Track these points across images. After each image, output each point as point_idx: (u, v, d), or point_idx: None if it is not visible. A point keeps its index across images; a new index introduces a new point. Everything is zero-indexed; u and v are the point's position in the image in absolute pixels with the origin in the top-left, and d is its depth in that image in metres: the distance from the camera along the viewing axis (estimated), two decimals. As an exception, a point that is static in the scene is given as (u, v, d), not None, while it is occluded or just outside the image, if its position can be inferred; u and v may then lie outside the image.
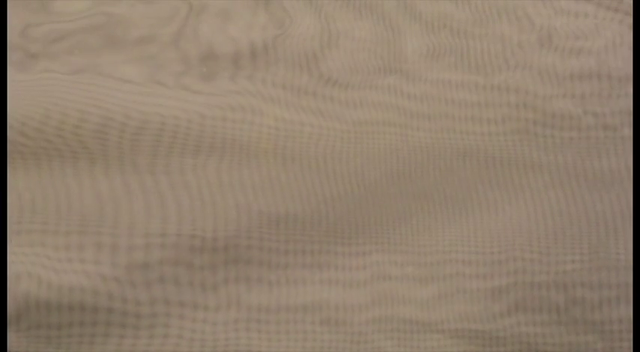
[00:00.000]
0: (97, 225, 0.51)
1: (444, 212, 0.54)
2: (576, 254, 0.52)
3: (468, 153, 0.55)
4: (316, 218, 0.53)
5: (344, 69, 0.58)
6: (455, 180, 0.55)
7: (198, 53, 0.57)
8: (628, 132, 0.55)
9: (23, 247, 0.50)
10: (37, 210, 0.51)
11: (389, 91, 0.57)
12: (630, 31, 0.59)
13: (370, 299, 0.52)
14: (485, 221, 0.54)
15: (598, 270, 0.52)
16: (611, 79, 0.57)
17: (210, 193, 0.52)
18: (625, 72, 0.57)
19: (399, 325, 0.51)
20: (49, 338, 0.49)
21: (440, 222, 0.54)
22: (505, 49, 0.59)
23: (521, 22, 0.59)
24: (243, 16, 0.59)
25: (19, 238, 0.51)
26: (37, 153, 0.52)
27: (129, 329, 0.49)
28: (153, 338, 0.49)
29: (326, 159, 0.54)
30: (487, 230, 0.54)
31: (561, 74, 0.57)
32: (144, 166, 0.53)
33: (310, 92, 0.57)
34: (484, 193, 0.55)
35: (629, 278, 0.52)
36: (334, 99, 0.56)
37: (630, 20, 0.60)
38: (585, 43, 0.59)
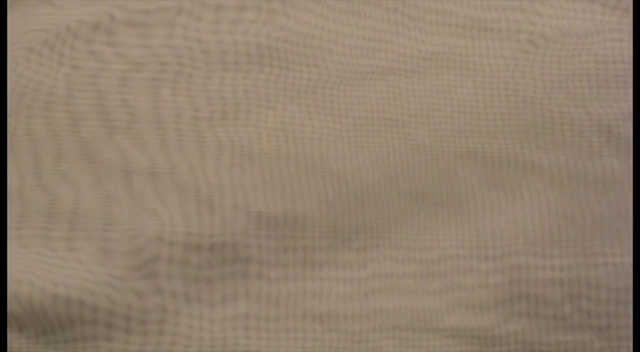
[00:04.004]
0: (96, 226, 0.51)
1: (444, 212, 0.54)
2: (573, 254, 0.53)
3: (467, 154, 0.55)
4: (316, 218, 0.53)
5: (344, 69, 0.58)
6: (455, 180, 0.55)
7: (198, 51, 0.57)
8: (628, 132, 0.55)
9: (24, 248, 0.50)
10: (37, 212, 0.52)
11: (389, 91, 0.57)
12: (630, 31, 0.59)
13: (370, 299, 0.52)
14: (485, 221, 0.54)
15: (596, 271, 0.52)
16: (612, 80, 0.57)
17: (209, 193, 0.52)
18: (626, 72, 0.57)
19: (399, 324, 0.52)
20: (48, 341, 0.49)
21: (440, 222, 0.54)
22: (505, 49, 0.58)
23: (521, 23, 0.59)
24: (243, 15, 0.59)
25: (20, 239, 0.51)
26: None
27: (124, 330, 0.49)
28: (147, 337, 0.49)
29: (326, 159, 0.54)
30: (487, 230, 0.54)
31: (562, 74, 0.57)
32: (144, 166, 0.53)
33: (310, 92, 0.56)
34: (484, 193, 0.55)
35: (629, 278, 0.52)
36: (334, 99, 0.56)
37: (630, 19, 0.60)
38: (586, 43, 0.58)
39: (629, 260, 0.52)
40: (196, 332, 0.50)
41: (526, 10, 0.60)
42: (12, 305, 0.48)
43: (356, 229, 0.54)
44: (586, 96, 0.56)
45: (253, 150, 0.54)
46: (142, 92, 0.55)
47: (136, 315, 0.49)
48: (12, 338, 0.48)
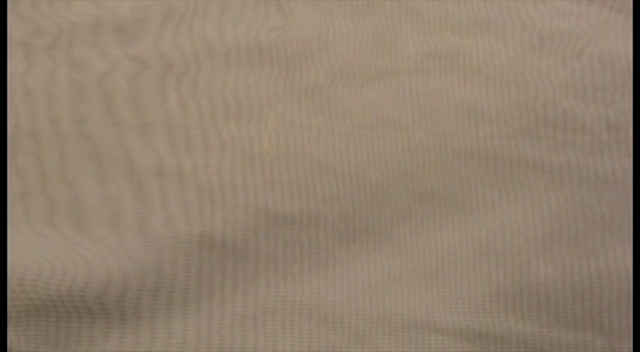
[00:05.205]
0: (103, 224, 0.51)
1: (444, 212, 0.54)
2: (575, 253, 0.53)
3: (469, 154, 0.55)
4: (318, 216, 0.53)
5: (346, 69, 0.58)
6: (455, 180, 0.55)
7: (198, 51, 0.57)
8: (630, 132, 0.55)
9: (27, 244, 0.50)
10: (43, 204, 0.51)
11: (390, 91, 0.57)
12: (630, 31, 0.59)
13: (370, 299, 0.52)
14: (487, 220, 0.54)
15: (597, 270, 0.52)
16: (615, 80, 0.57)
17: (210, 192, 0.52)
18: (628, 72, 0.57)
19: (399, 325, 0.51)
20: (49, 338, 0.49)
21: (440, 222, 0.54)
22: (507, 49, 0.59)
23: (524, 23, 0.59)
24: (244, 15, 0.59)
25: (23, 235, 0.51)
26: None
27: (119, 328, 0.49)
28: (141, 336, 0.49)
29: (330, 159, 0.54)
30: (489, 229, 0.54)
31: (564, 74, 0.57)
32: (149, 166, 0.53)
33: (315, 92, 0.57)
34: (485, 193, 0.55)
35: (630, 277, 0.52)
36: (337, 99, 0.56)
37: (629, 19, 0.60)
38: (588, 43, 0.59)
39: (629, 259, 0.52)
40: (192, 330, 0.50)
41: (528, 11, 0.60)
42: (17, 293, 0.48)
43: (358, 228, 0.54)
44: (589, 95, 0.56)
45: (255, 150, 0.54)
46: (150, 92, 0.55)
47: (128, 315, 0.49)
48: (12, 338, 0.48)
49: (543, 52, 0.58)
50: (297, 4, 0.59)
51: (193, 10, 0.58)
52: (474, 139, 0.55)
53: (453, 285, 0.53)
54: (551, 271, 0.52)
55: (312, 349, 0.50)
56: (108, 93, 0.55)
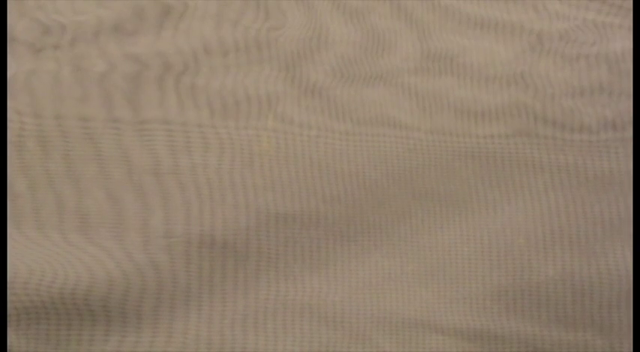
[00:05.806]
0: (103, 224, 0.51)
1: (444, 212, 0.54)
2: (576, 253, 0.53)
3: (469, 154, 0.55)
4: (316, 218, 0.53)
5: (345, 69, 0.58)
6: (455, 180, 0.55)
7: (197, 51, 0.57)
8: (630, 132, 0.56)
9: (28, 246, 0.50)
10: (44, 206, 0.51)
11: (390, 91, 0.57)
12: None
13: (370, 299, 0.52)
14: (488, 220, 0.54)
15: (597, 270, 0.52)
16: (614, 80, 0.57)
17: (210, 192, 0.52)
18: (628, 72, 0.57)
19: (399, 325, 0.51)
20: (50, 339, 0.49)
21: (440, 222, 0.54)
22: (507, 50, 0.59)
23: (524, 23, 0.59)
24: (243, 14, 0.59)
25: (24, 236, 0.51)
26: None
27: (120, 328, 0.49)
28: (142, 336, 0.49)
29: (326, 159, 0.54)
30: (489, 229, 0.54)
31: (564, 74, 0.57)
32: (150, 167, 0.53)
33: (310, 92, 0.57)
34: (485, 193, 0.55)
35: (629, 277, 0.52)
36: (337, 99, 0.56)
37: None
38: (588, 43, 0.59)
39: (629, 259, 0.52)
40: (193, 330, 0.50)
41: (528, 11, 0.60)
42: (18, 296, 0.48)
43: (358, 228, 0.54)
44: (591, 95, 0.56)
45: (254, 150, 0.54)
46: (149, 92, 0.55)
47: (130, 310, 0.49)
48: (12, 338, 0.48)
49: (543, 52, 0.58)
50: (297, 4, 0.59)
51: (192, 10, 0.58)
52: (474, 139, 0.55)
53: (453, 285, 0.53)
54: (551, 271, 0.52)
55: (312, 349, 0.50)
56: (108, 93, 0.55)
